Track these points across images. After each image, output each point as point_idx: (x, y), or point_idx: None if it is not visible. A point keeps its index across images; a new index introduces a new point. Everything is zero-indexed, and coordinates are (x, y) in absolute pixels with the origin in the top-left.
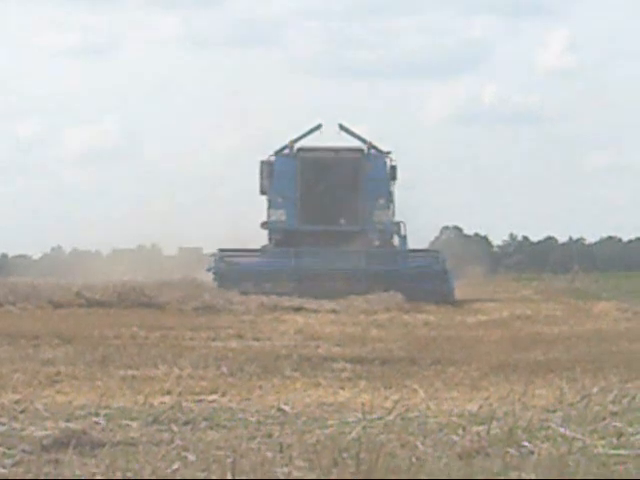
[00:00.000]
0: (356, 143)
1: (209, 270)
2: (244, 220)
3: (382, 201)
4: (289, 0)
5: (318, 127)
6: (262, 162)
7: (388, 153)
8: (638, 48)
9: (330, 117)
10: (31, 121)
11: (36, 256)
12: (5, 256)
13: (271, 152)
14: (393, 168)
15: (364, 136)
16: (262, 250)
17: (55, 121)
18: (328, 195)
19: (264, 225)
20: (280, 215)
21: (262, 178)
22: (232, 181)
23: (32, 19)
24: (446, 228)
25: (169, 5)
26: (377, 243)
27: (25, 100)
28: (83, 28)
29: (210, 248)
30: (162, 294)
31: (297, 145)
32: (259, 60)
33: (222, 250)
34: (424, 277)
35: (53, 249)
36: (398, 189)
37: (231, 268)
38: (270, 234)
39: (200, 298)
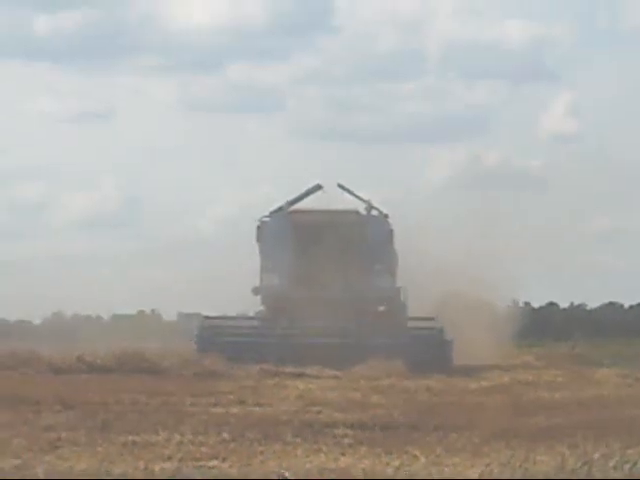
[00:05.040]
0: (356, 203)
1: (193, 339)
2: (243, 285)
3: (380, 266)
4: (288, 65)
5: (317, 188)
6: (257, 225)
7: (386, 216)
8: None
9: (331, 181)
10: (30, 187)
11: (37, 321)
12: (6, 321)
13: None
14: (391, 232)
15: (363, 196)
16: (247, 317)
17: (54, 187)
18: (323, 260)
19: (256, 290)
20: (272, 279)
21: (256, 241)
22: (232, 246)
23: (29, 85)
24: (447, 293)
25: (167, 71)
26: (380, 309)
27: (24, 166)
28: (81, 94)
29: (210, 313)
30: (162, 360)
31: (292, 207)
32: (259, 126)
33: (206, 317)
34: (423, 347)
35: (54, 314)
36: (399, 253)
37: (214, 336)
38: (262, 300)
39: (200, 364)
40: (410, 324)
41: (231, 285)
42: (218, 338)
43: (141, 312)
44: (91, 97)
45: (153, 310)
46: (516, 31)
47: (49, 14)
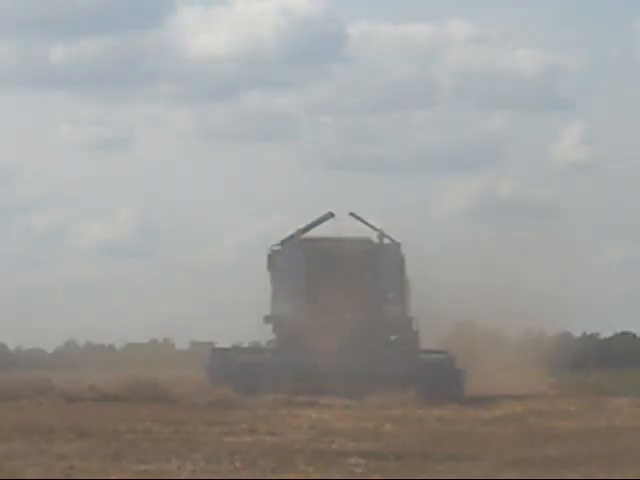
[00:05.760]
0: (368, 232)
1: (204, 368)
2: (256, 314)
3: (392, 295)
4: (303, 95)
5: (329, 216)
6: (268, 253)
7: (398, 244)
8: None
9: (343, 209)
10: (46, 214)
11: (50, 350)
12: (19, 349)
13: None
14: (402, 260)
15: (376, 225)
16: (259, 348)
17: (70, 215)
18: (334, 288)
19: (267, 319)
20: (283, 308)
21: (268, 269)
22: (246, 275)
23: (47, 113)
24: (460, 323)
25: (183, 99)
26: (391, 338)
27: (40, 193)
28: (98, 122)
29: (223, 342)
30: (175, 388)
31: (304, 235)
32: (273, 155)
33: (216, 349)
34: (434, 377)
35: (67, 343)
36: (412, 283)
37: (225, 367)
38: (274, 328)
39: (214, 392)
40: (422, 355)
41: (244, 314)
42: (230, 368)
43: (154, 341)
44: (108, 125)
45: (166, 339)
46: (529, 60)
47: (65, 42)
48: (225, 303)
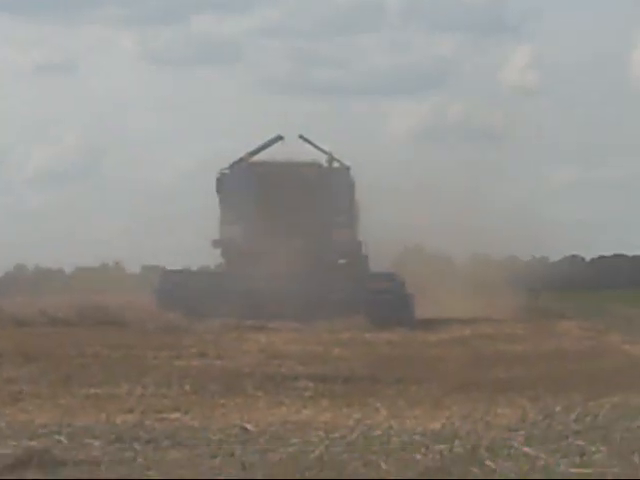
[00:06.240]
0: (317, 155)
1: (153, 292)
2: (205, 237)
3: (341, 218)
4: (251, 18)
5: (278, 139)
6: (217, 177)
7: (348, 168)
8: (601, 63)
9: (292, 133)
10: None
11: None
12: None
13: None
14: (352, 184)
15: (325, 148)
16: (210, 271)
17: (13, 139)
18: (283, 211)
19: (216, 243)
20: (232, 232)
21: (216, 192)
22: (195, 198)
23: None
24: (408, 248)
25: (129, 23)
26: (340, 262)
27: None
28: (42, 45)
29: (174, 266)
30: (125, 312)
31: (253, 158)
32: (221, 78)
33: (166, 271)
34: (383, 303)
35: (15, 267)
36: (362, 207)
37: (174, 290)
38: (222, 252)
39: (163, 317)
40: (371, 278)
41: (194, 237)
42: (178, 292)
43: (104, 265)
44: (53, 48)
45: (117, 263)
46: None
47: None
48: (174, 227)
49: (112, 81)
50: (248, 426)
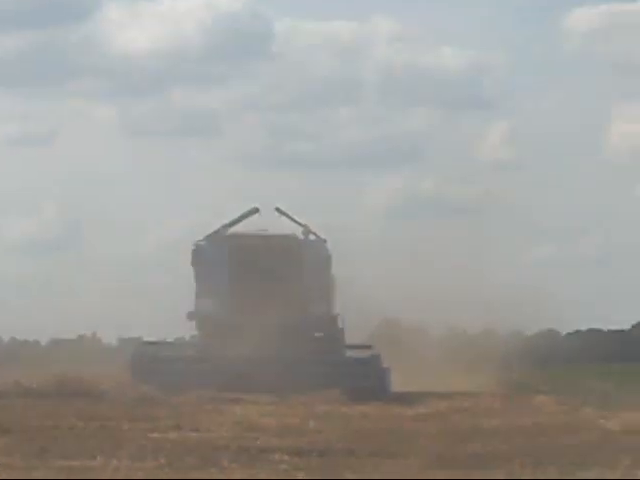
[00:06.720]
0: (293, 228)
1: (128, 364)
2: (181, 310)
3: (317, 292)
4: (227, 91)
5: (254, 211)
6: (192, 249)
7: (324, 241)
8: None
9: (268, 205)
10: None
11: None
12: None
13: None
14: (328, 257)
15: (301, 221)
16: (183, 343)
17: None
18: (258, 284)
19: (190, 315)
20: (206, 305)
21: (192, 265)
22: (172, 271)
23: None
24: (385, 320)
25: (108, 94)
26: (316, 335)
27: None
28: (21, 117)
29: (150, 338)
30: (101, 384)
31: (229, 231)
32: (198, 150)
33: (141, 343)
34: (360, 375)
35: None
36: (337, 281)
37: (148, 362)
38: (197, 325)
39: (138, 389)
40: (348, 352)
41: (170, 310)
42: (153, 364)
43: (81, 337)
44: (32, 120)
45: (93, 334)
46: (452, 58)
47: None
48: (150, 299)
49: (90, 153)
50: None
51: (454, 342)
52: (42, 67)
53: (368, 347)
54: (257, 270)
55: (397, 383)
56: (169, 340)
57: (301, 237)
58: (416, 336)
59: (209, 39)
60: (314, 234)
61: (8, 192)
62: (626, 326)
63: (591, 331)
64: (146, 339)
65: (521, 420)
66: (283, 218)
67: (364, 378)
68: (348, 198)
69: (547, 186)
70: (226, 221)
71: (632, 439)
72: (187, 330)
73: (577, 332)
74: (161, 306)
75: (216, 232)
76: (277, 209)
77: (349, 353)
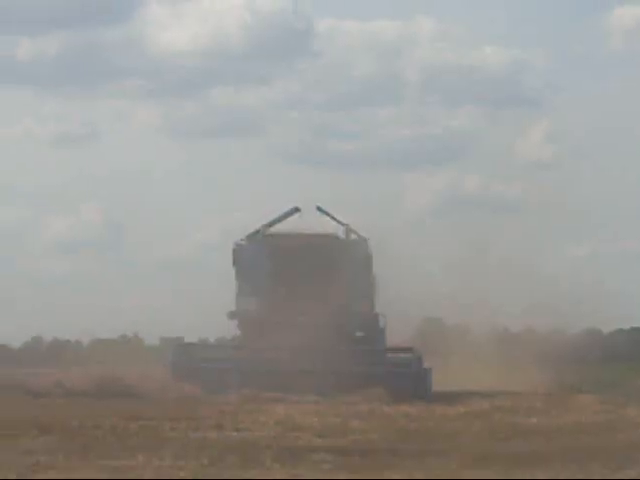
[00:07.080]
0: (334, 227)
1: (167, 364)
2: (223, 309)
3: (358, 291)
4: (268, 91)
5: (295, 211)
6: (233, 249)
7: (365, 240)
8: (614, 139)
9: (309, 204)
10: (10, 210)
11: (16, 346)
12: None
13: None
14: (370, 257)
15: (342, 220)
16: (224, 344)
17: (34, 211)
18: (299, 284)
19: (231, 314)
20: (248, 304)
21: (233, 265)
22: (214, 270)
23: (12, 109)
24: (427, 320)
25: (149, 94)
26: (357, 334)
27: (4, 189)
28: (61, 118)
29: (192, 338)
30: (142, 384)
31: (269, 230)
32: (239, 150)
33: (179, 344)
34: (401, 378)
35: (33, 339)
36: (378, 280)
37: (188, 362)
38: (239, 324)
39: (180, 388)
40: (388, 351)
41: (212, 310)
42: (193, 364)
43: (123, 336)
44: (74, 121)
45: (135, 335)
46: (495, 57)
47: (32, 38)
48: (193, 299)
49: (131, 153)
50: None
51: (496, 341)
52: (83, 67)
53: (409, 348)
54: (298, 270)
55: (439, 383)
56: (211, 340)
57: (342, 236)
58: (458, 335)
59: (250, 38)
60: (355, 233)
61: (50, 193)
62: None
63: (634, 330)
64: (187, 339)
65: (563, 419)
66: (324, 217)
67: (405, 378)
68: (390, 197)
69: (589, 183)
70: (266, 221)
71: None
72: (229, 330)
73: (620, 330)
74: (202, 306)
75: (257, 232)
76: (318, 208)
77: (390, 355)
